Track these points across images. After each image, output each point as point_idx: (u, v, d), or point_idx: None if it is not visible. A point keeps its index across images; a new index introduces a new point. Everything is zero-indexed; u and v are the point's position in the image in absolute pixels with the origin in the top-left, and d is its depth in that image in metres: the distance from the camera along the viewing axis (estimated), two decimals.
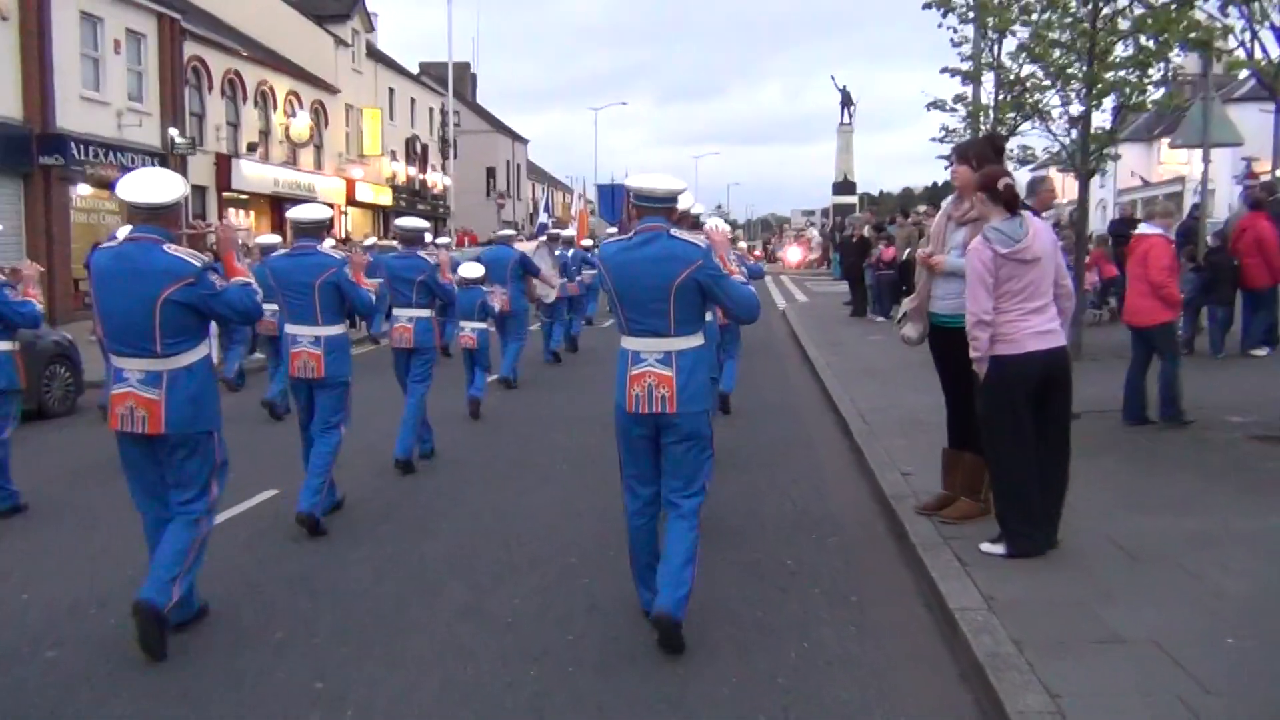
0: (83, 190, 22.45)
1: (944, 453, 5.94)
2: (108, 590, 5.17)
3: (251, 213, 30.06)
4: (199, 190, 26.85)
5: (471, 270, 10.11)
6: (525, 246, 13.83)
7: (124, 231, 5.00)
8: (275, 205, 30.84)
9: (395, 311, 7.89)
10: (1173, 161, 33.72)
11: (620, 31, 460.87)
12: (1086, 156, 12.49)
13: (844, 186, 49.53)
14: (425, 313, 7.94)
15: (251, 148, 28.44)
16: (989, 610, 4.34)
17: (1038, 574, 4.84)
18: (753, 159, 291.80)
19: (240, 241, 7.14)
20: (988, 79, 16.86)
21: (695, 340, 4.38)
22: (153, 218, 4.48)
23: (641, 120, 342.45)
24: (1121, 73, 11.76)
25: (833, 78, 73.42)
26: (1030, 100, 13.94)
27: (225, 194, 27.87)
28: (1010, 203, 5.13)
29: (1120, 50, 12.05)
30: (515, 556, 5.68)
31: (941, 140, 17.85)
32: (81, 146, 21.56)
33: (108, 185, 22.96)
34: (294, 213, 6.61)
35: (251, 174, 28.57)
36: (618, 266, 4.41)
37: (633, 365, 4.36)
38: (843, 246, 23.75)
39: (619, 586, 5.05)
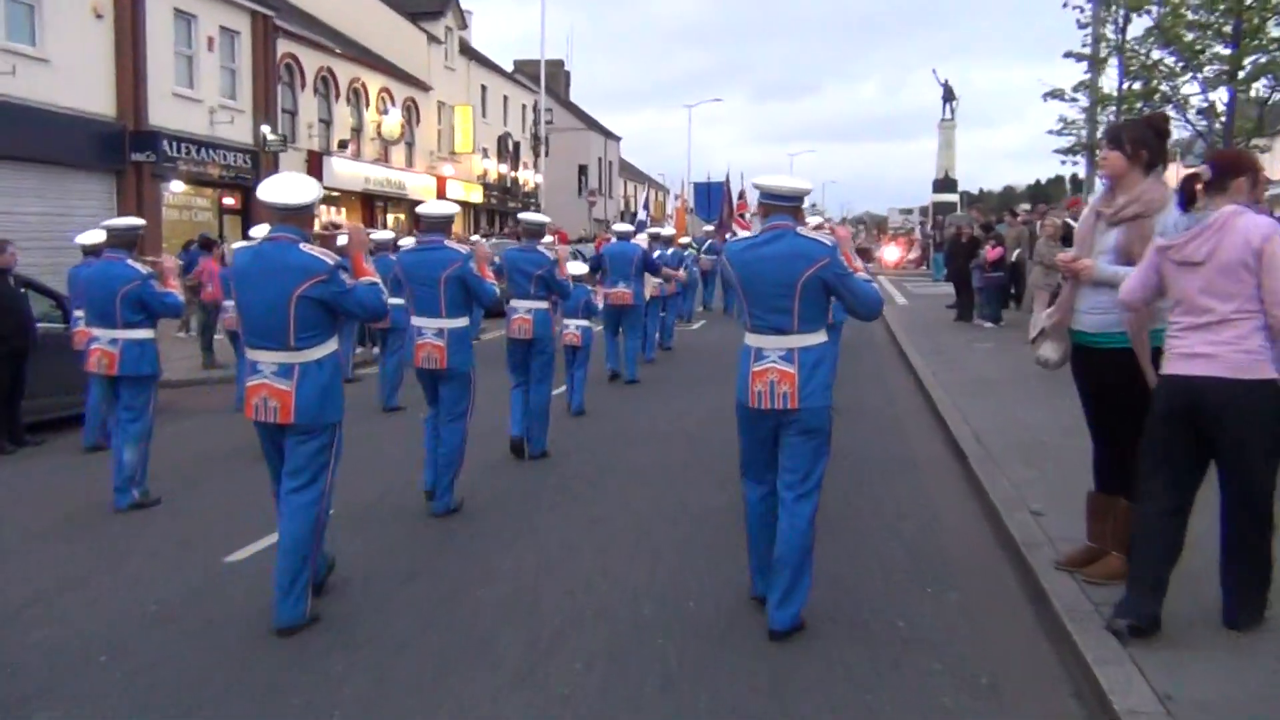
0: (175, 187, 22.54)
1: (1090, 497, 4.98)
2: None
3: (344, 209, 30.06)
4: None
5: (576, 268, 9.84)
6: (641, 240, 13.92)
7: (261, 231, 5.69)
8: (366, 202, 30.85)
9: (513, 303, 7.99)
10: None
11: (714, 31, 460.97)
12: (1230, 147, 11.25)
13: (944, 184, 47.78)
14: (543, 304, 8.09)
15: (343, 145, 28.40)
16: (1167, 716, 3.41)
17: (1232, 661, 3.87)
18: (849, 156, 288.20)
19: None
20: (1111, 68, 15.64)
21: (819, 337, 4.43)
22: (289, 218, 4.74)
23: (735, 118, 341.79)
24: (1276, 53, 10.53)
25: (934, 71, 71.35)
26: (1162, 88, 12.72)
27: None
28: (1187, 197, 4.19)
29: (1274, 28, 10.83)
30: (581, 605, 4.93)
31: (1059, 133, 16.66)
32: (174, 143, 21.60)
33: (199, 181, 23.31)
34: (423, 208, 6.95)
35: (343, 171, 28.52)
36: (743, 264, 4.47)
37: (755, 362, 4.43)
38: (947, 246, 22.50)
39: (698, 651, 4.28)
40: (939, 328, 16.99)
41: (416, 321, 6.58)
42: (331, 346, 4.82)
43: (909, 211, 67.13)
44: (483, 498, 6.93)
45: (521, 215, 9.27)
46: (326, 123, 28.61)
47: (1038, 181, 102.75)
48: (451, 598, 5.07)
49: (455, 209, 7.17)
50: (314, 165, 27.31)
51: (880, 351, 15.25)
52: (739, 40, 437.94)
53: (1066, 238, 14.29)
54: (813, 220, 6.78)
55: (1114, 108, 15.05)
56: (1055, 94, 15.62)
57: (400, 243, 10.11)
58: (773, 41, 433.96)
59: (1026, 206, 22.14)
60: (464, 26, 38.90)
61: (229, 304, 9.39)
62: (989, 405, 9.44)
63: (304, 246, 4.67)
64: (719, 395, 10.14)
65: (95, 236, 7.57)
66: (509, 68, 48.01)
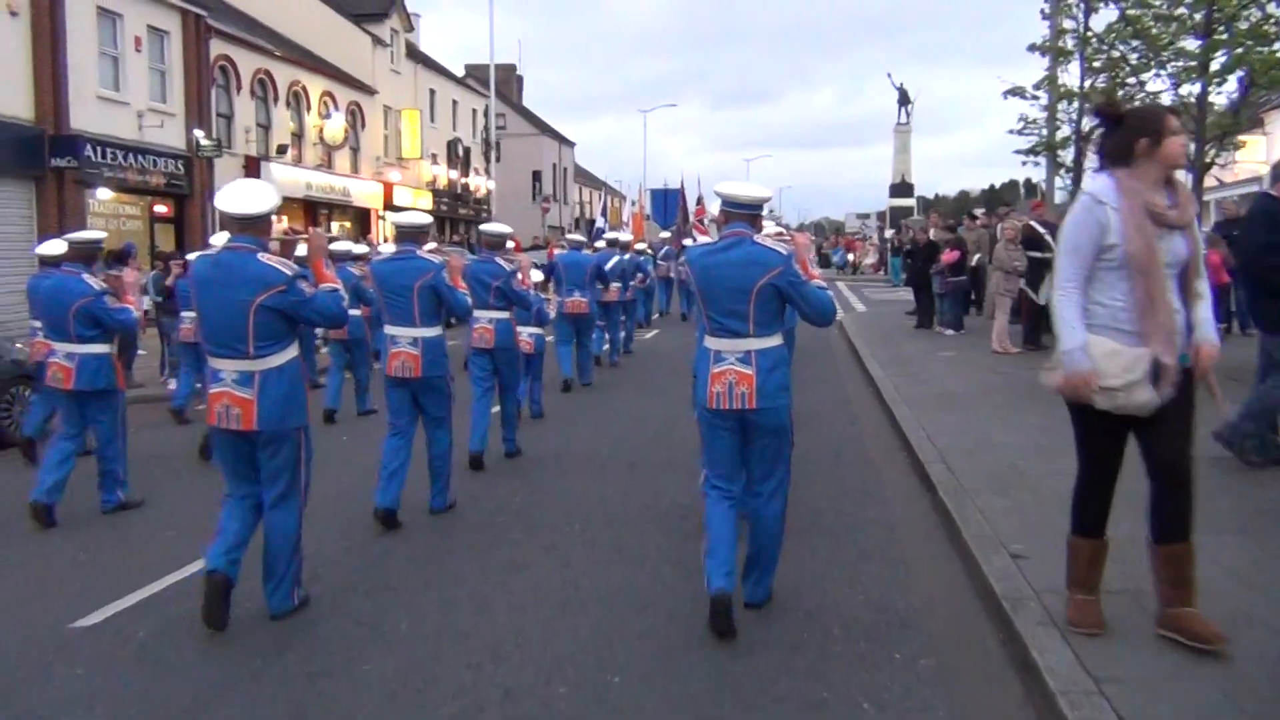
0: (102, 194, 21.40)
1: (1089, 545, 4.22)
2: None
3: (285, 217, 28.97)
4: None
5: (534, 276, 10.01)
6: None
7: (220, 239, 5.75)
8: (309, 209, 29.78)
9: (476, 314, 7.83)
10: None
11: (672, 38, 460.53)
12: (1202, 147, 10.69)
13: (901, 188, 47.56)
14: (504, 314, 8.16)
15: (282, 150, 27.33)
16: None
17: None
18: (806, 163, 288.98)
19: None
20: (1073, 63, 15.11)
21: (774, 340, 4.55)
22: (246, 227, 4.75)
23: (694, 125, 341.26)
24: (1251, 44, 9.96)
25: (889, 75, 71.26)
26: (1127, 81, 12.15)
27: None
28: None
29: (1243, 23, 10.27)
30: (483, 683, 4.12)
31: (1020, 132, 16.10)
32: (99, 148, 20.50)
33: (129, 189, 22.18)
34: (397, 218, 7.05)
35: (283, 177, 27.42)
36: (703, 269, 4.58)
37: (714, 364, 4.53)
38: (906, 251, 21.95)
39: None
40: (899, 335, 16.37)
41: (390, 330, 6.60)
42: (291, 353, 4.85)
43: (866, 216, 67.00)
44: (385, 542, 6.12)
45: (483, 226, 9.39)
46: (265, 127, 27.54)
47: (992, 186, 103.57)
48: (328, 673, 4.25)
49: (428, 220, 7.26)
50: (252, 171, 26.22)
51: (839, 361, 14.58)
52: (697, 48, 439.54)
53: (1027, 241, 13.70)
54: (770, 227, 6.61)
55: (1076, 104, 14.52)
56: (1016, 91, 15.07)
57: (372, 254, 10.28)
58: (731, 49, 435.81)
59: (981, 211, 21.59)
60: (410, 29, 37.90)
61: (187, 315, 9.20)
62: (955, 423, 8.75)
63: (262, 256, 4.71)
64: (670, 405, 10.49)
65: (56, 248, 7.33)
66: (460, 73, 47.01)
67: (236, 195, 4.79)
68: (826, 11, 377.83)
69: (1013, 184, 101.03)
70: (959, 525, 5.64)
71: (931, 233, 18.44)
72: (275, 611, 4.85)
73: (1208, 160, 10.95)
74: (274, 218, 5.00)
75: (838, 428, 9.50)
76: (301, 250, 9.77)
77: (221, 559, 4.70)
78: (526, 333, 9.51)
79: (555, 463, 8.25)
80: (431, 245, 9.45)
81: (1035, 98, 14.97)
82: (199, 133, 23.73)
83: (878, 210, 58.21)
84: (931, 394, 10.35)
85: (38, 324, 8.10)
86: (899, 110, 48.09)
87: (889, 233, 41.66)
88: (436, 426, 6.63)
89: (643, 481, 7.45)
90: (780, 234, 6.43)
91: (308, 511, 5.09)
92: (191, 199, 23.87)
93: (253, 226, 4.77)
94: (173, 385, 11.93)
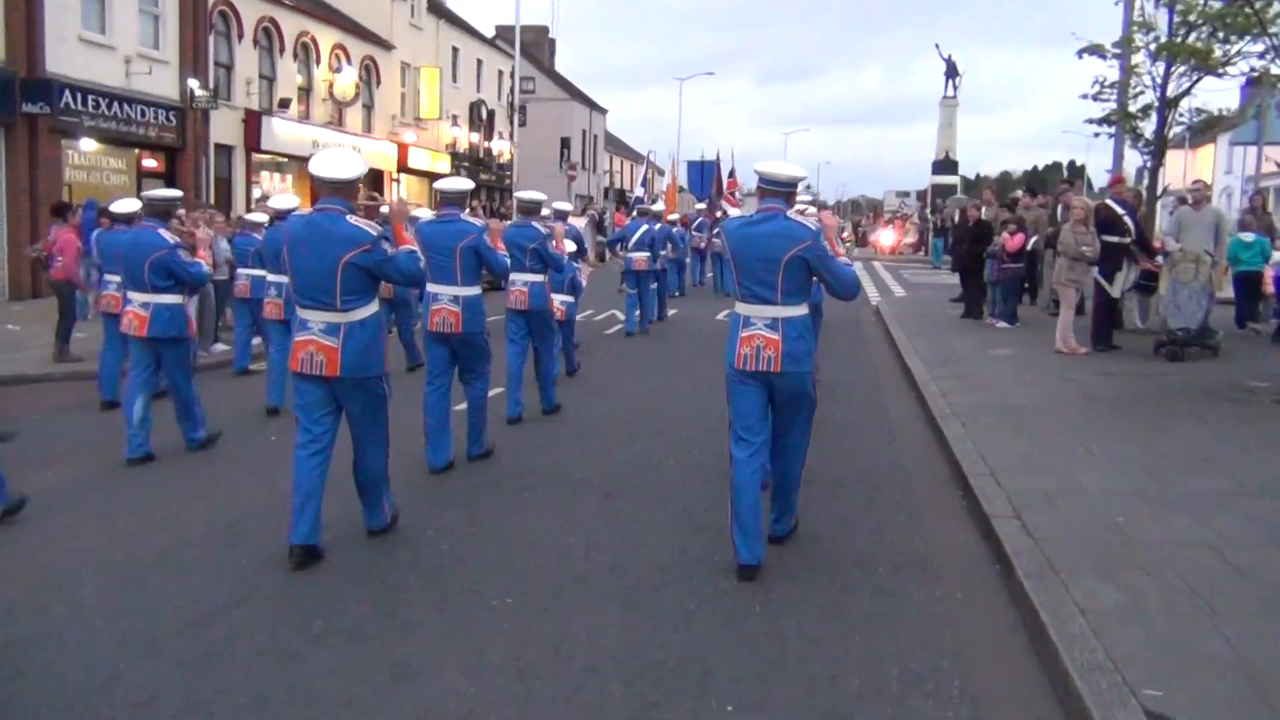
0: (86, 145, 19.81)
1: None
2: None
3: (289, 177, 27.37)
4: (224, 149, 24.20)
5: (567, 245, 9.81)
6: (577, 222, 14.72)
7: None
8: None
9: (512, 276, 8.04)
10: None
11: (724, 14, 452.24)
12: None
13: (945, 165, 45.22)
14: (539, 278, 8.43)
15: (284, 104, 25.59)
16: None
17: None
18: (849, 140, 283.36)
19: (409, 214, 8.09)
20: (1159, 22, 13.07)
21: (800, 310, 4.90)
22: (337, 191, 5.17)
23: (739, 100, 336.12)
24: None
25: (937, 46, 68.12)
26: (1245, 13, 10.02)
27: (255, 154, 25.13)
28: None
29: None
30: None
31: (1095, 97, 14.05)
32: (80, 95, 18.88)
33: (113, 140, 20.60)
34: (441, 184, 7.30)
35: (286, 134, 25.80)
36: (738, 240, 4.96)
37: (743, 329, 4.90)
38: (954, 231, 19.94)
39: None
40: (945, 327, 14.45)
41: (432, 288, 6.89)
42: (374, 308, 5.25)
43: (906, 194, 64.56)
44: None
45: (518, 193, 9.84)
46: (269, 79, 25.83)
47: (1035, 168, 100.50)
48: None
49: (470, 185, 7.58)
50: (251, 125, 24.61)
51: (874, 353, 12.74)
52: (747, 24, 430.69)
53: (1102, 223, 11.75)
54: (804, 199, 7.37)
55: (1161, 65, 12.51)
56: (1094, 49, 13.03)
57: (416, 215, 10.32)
58: (780, 26, 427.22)
59: (1020, 192, 19.49)
60: None
61: (111, 280, 8.89)
62: (1024, 451, 6.93)
63: (350, 218, 5.09)
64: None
65: (128, 205, 7.92)
66: (491, 34, 45.05)
67: (329, 161, 5.18)
68: None
69: (1056, 166, 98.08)
70: (1055, 642, 3.81)
71: (984, 211, 16.44)
72: (372, 527, 5.50)
73: None
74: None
75: (871, 446, 7.70)
76: (385, 211, 10.15)
77: (303, 533, 5.05)
78: (559, 300, 9.66)
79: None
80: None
81: (1118, 55, 12.94)
82: (194, 82, 22.06)
83: (918, 189, 55.90)
84: (989, 406, 8.52)
85: (110, 278, 8.80)
86: (946, 83, 45.74)
87: (928, 212, 39.50)
88: (476, 379, 7.07)
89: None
90: (805, 211, 6.33)
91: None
92: (184, 153, 22.25)
93: (342, 190, 5.15)
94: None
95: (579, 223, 15.15)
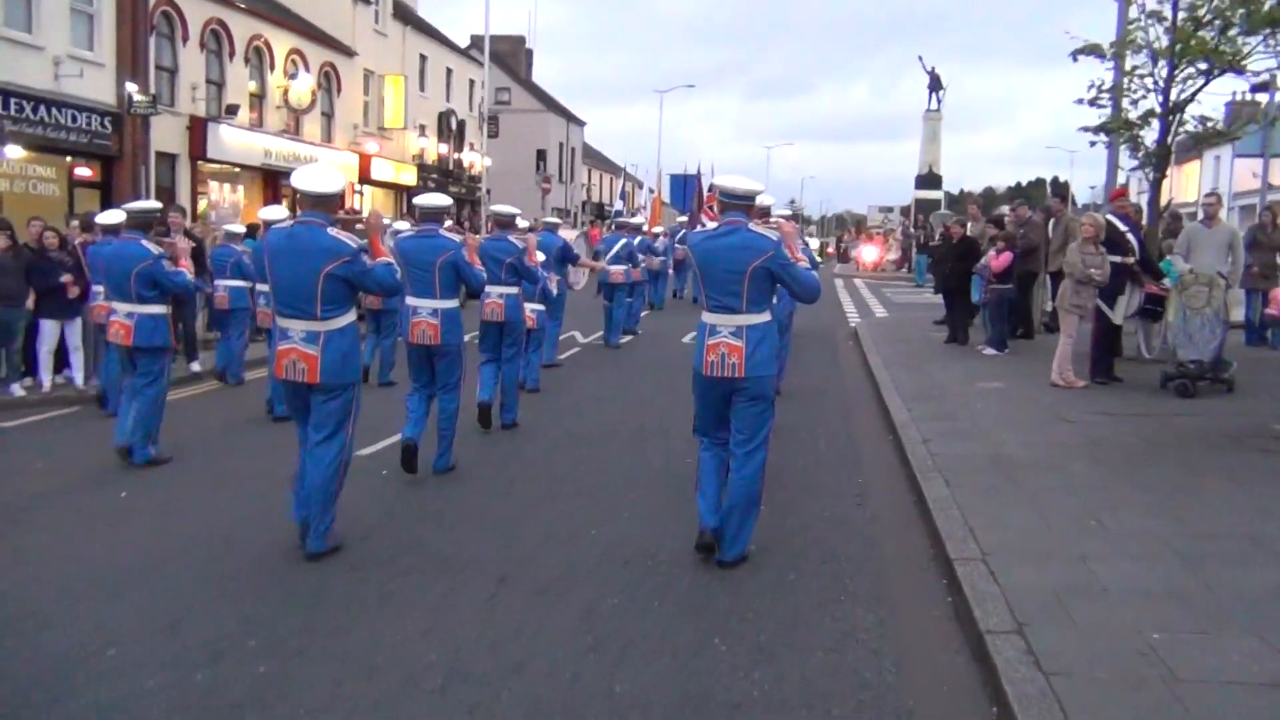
0: (12, 152, 18.38)
1: None
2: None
3: (240, 187, 25.97)
4: (167, 157, 22.78)
5: (538, 256, 10.07)
6: (566, 234, 14.27)
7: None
8: (269, 179, 26.72)
9: (487, 288, 8.22)
10: None
11: (714, 30, 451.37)
12: None
13: (929, 179, 44.21)
14: (514, 290, 8.72)
15: (231, 110, 24.17)
16: None
17: None
18: (834, 155, 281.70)
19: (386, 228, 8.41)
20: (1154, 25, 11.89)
21: (763, 317, 5.14)
22: (319, 204, 5.42)
23: (728, 116, 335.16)
24: None
25: (920, 59, 66.98)
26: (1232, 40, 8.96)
27: (202, 163, 23.72)
28: None
29: None
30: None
31: (1092, 102, 12.82)
32: (1, 98, 17.50)
33: (41, 147, 19.20)
34: (419, 200, 7.62)
35: (235, 142, 24.43)
36: (703, 253, 5.22)
37: (709, 336, 5.15)
38: (934, 247, 18.70)
39: None
40: (927, 354, 13.17)
41: (412, 301, 7.15)
42: (351, 317, 5.50)
43: (889, 210, 63.47)
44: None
45: (493, 206, 10.11)
46: (218, 84, 24.46)
47: (1019, 184, 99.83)
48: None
49: (449, 201, 7.76)
50: (197, 132, 23.22)
51: (850, 387, 11.42)
52: (737, 41, 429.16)
53: (1109, 240, 10.51)
54: (783, 212, 8.62)
55: (1164, 68, 11.30)
56: (1089, 50, 11.82)
57: (395, 227, 10.80)
58: (770, 43, 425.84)
59: (1006, 208, 18.22)
60: None
61: (98, 290, 9.09)
62: (1024, 523, 5.63)
63: (331, 230, 5.36)
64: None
65: (114, 217, 8.09)
66: (465, 44, 43.73)
67: (312, 175, 5.47)
68: (867, 4, 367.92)
69: (1039, 182, 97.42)
70: None
71: (970, 227, 15.19)
72: (310, 552, 5.39)
73: None
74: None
75: (837, 510, 6.39)
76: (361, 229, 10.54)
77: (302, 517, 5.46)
78: (529, 308, 9.86)
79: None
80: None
81: (1119, 56, 11.72)
82: (132, 86, 20.63)
83: (902, 204, 54.85)
84: (978, 457, 7.22)
85: (99, 289, 8.87)
86: (929, 96, 44.79)
87: (911, 228, 38.36)
88: (447, 391, 7.27)
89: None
90: (766, 220, 6.71)
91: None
92: (121, 161, 20.82)
93: (324, 204, 5.43)
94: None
95: (569, 234, 14.78)
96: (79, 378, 10.77)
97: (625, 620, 4.53)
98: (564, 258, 12.33)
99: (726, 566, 5.18)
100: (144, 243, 7.56)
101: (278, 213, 9.71)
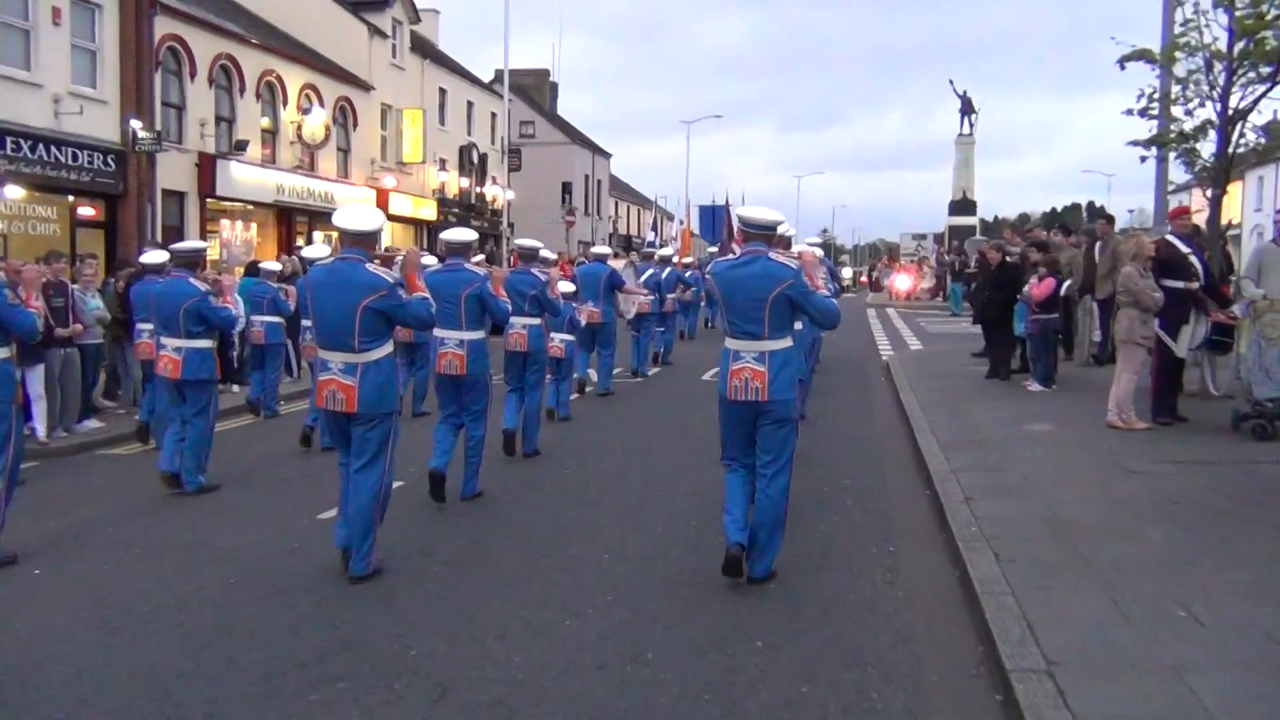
0: (11, 193, 17.82)
1: None
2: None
3: (253, 225, 25.38)
4: (175, 195, 22.20)
5: (565, 287, 10.31)
6: (615, 264, 14.40)
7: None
8: (283, 216, 26.13)
9: (511, 319, 8.40)
10: None
11: (746, 63, 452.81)
12: None
13: (962, 205, 43.17)
14: (537, 321, 9.02)
15: (240, 146, 23.56)
16: None
17: None
18: (867, 183, 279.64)
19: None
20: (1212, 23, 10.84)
21: (785, 343, 5.30)
22: (358, 241, 5.69)
23: (762, 147, 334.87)
24: None
25: (951, 82, 65.80)
26: None
27: (210, 200, 23.11)
28: None
29: None
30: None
31: (1143, 112, 11.74)
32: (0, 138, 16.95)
33: (43, 186, 18.64)
34: (445, 235, 7.81)
35: (245, 178, 23.83)
36: (725, 281, 5.36)
37: (733, 362, 5.31)
38: (972, 274, 17.61)
39: None
40: (967, 392, 12.06)
41: (439, 333, 7.35)
42: (388, 349, 5.71)
43: (922, 237, 62.29)
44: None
45: (518, 241, 10.61)
46: (229, 121, 23.91)
47: (1054, 209, 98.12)
48: None
49: (474, 236, 8.01)
50: (206, 169, 22.60)
51: (881, 431, 10.34)
52: (772, 73, 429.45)
53: (1162, 265, 9.41)
54: (814, 240, 11.00)
55: (1224, 69, 10.23)
56: (1139, 55, 10.78)
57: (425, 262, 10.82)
58: (804, 75, 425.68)
59: (1048, 232, 17.03)
60: (415, 20, 34.14)
61: (144, 327, 9.54)
62: (1088, 611, 4.56)
63: (369, 266, 5.58)
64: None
65: (158, 257, 8.76)
66: (489, 79, 43.21)
67: (352, 215, 5.76)
68: (900, 35, 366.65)
69: (1075, 207, 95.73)
70: None
71: (1007, 253, 14.07)
72: (354, 574, 5.58)
73: None
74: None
75: (864, 593, 5.32)
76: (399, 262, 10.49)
77: (343, 537, 5.72)
78: (558, 339, 10.20)
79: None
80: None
81: (1172, 61, 10.66)
82: (136, 123, 20.10)
83: (935, 232, 53.67)
84: (1031, 520, 6.14)
85: (144, 326, 9.41)
86: (961, 120, 43.87)
87: (945, 255, 37.18)
88: (474, 419, 7.46)
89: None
90: (786, 247, 6.90)
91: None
92: (125, 199, 20.22)
93: (363, 240, 5.67)
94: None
95: (618, 264, 15.31)
96: (41, 429, 9.96)
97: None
98: (612, 285, 12.87)
99: (755, 583, 5.33)
100: (192, 280, 7.93)
101: (319, 251, 10.22)
